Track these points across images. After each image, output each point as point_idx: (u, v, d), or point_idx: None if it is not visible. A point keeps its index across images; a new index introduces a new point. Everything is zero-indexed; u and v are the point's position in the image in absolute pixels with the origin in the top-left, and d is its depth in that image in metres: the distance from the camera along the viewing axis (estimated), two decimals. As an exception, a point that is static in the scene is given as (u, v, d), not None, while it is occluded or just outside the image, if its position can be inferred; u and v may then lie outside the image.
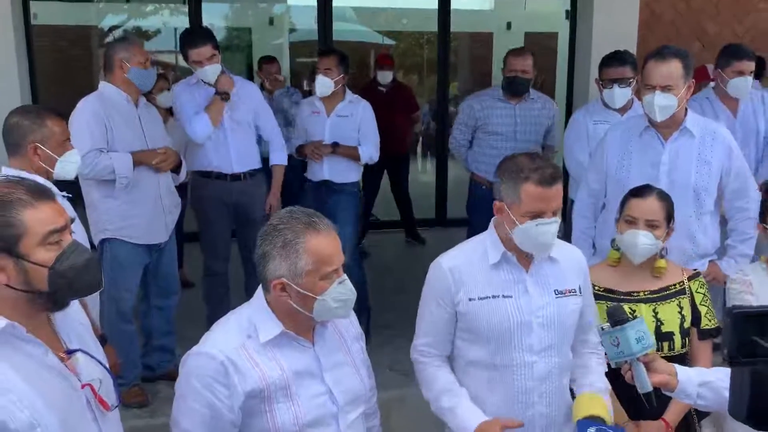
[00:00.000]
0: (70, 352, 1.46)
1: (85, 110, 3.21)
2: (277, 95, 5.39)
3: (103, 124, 3.20)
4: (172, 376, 3.56)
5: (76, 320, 1.58)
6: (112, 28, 9.97)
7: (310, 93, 4.81)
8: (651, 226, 2.21)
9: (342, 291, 1.63)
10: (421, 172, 9.36)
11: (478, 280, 1.92)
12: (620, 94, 3.46)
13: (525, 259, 1.94)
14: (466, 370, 1.99)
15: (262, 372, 1.60)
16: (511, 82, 4.03)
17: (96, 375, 1.49)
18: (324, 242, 1.60)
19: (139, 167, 3.28)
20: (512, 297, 1.91)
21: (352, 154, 4.06)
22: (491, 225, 1.99)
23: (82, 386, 1.44)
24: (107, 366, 1.56)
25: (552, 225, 1.85)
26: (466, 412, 1.92)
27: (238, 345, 1.61)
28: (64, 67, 8.19)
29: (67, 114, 2.98)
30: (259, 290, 1.70)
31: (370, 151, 4.08)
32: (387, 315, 4.39)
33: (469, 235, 4.18)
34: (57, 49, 8.12)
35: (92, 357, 1.50)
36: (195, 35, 3.70)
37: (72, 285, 1.43)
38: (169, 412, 3.33)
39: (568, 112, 6.15)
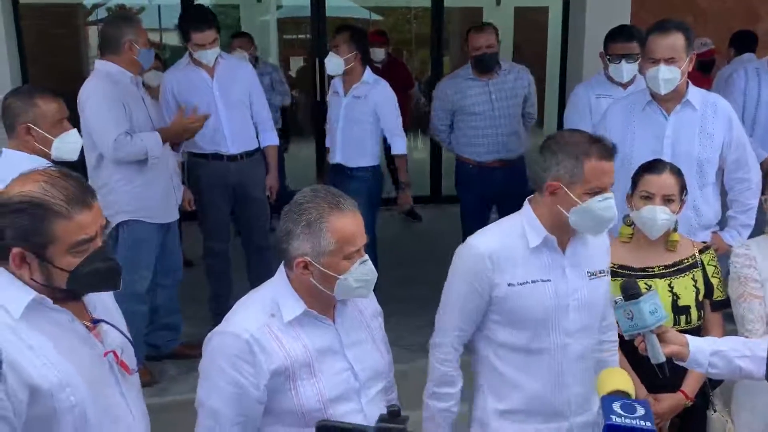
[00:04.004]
0: (95, 322, 1.54)
1: (100, 94, 3.18)
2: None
3: (121, 105, 3.18)
4: (177, 355, 3.61)
5: None
6: (95, 6, 9.79)
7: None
8: (667, 200, 2.22)
9: (364, 271, 1.64)
10: (415, 148, 9.34)
11: (517, 264, 1.87)
12: (628, 69, 3.45)
13: (562, 242, 1.91)
14: (497, 352, 1.96)
15: (286, 350, 1.61)
16: (480, 60, 3.96)
17: (118, 342, 1.58)
18: (347, 222, 1.60)
19: None
20: (551, 281, 1.89)
21: (404, 168, 4.11)
22: (527, 205, 1.92)
23: (105, 353, 1.53)
24: (128, 333, 1.64)
25: (612, 200, 1.83)
26: None
27: (262, 324, 1.62)
28: (49, 46, 8.05)
29: (62, 94, 2.94)
30: (281, 268, 1.70)
31: (400, 148, 4.04)
32: (385, 291, 4.38)
33: (462, 213, 4.28)
34: (42, 28, 7.96)
35: (114, 327, 1.58)
36: (199, 19, 3.64)
37: (90, 286, 1.51)
38: (177, 391, 3.40)
39: (561, 88, 6.15)
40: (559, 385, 1.92)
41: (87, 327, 1.51)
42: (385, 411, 1.79)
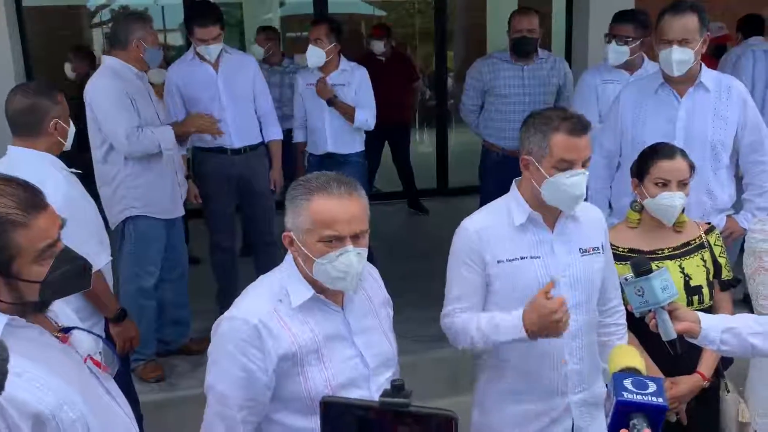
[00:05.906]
0: (66, 330, 1.46)
1: (108, 90, 3.18)
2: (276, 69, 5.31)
3: (128, 100, 3.19)
4: (187, 350, 3.60)
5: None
6: (100, 8, 9.80)
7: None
8: (682, 185, 2.21)
9: (343, 262, 1.55)
10: (421, 142, 9.32)
11: (504, 242, 1.90)
12: (614, 51, 3.43)
13: (550, 219, 1.92)
14: None
15: (294, 336, 1.59)
16: (519, 42, 3.95)
17: (89, 346, 1.49)
18: (330, 205, 1.54)
19: None
20: (540, 258, 1.90)
21: (348, 111, 4.02)
22: (513, 186, 1.97)
23: (84, 360, 1.46)
24: (98, 334, 1.58)
25: (582, 176, 1.83)
26: (506, 317, 1.83)
27: (271, 309, 1.60)
28: (54, 48, 8.06)
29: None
30: (289, 254, 1.68)
31: (366, 116, 4.05)
32: (394, 284, 4.33)
33: (482, 202, 4.19)
34: (46, 30, 7.98)
35: (86, 330, 1.50)
36: (204, 15, 3.64)
37: (62, 291, 1.42)
38: (186, 386, 3.39)
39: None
40: (556, 363, 1.92)
41: (58, 338, 1.43)
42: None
